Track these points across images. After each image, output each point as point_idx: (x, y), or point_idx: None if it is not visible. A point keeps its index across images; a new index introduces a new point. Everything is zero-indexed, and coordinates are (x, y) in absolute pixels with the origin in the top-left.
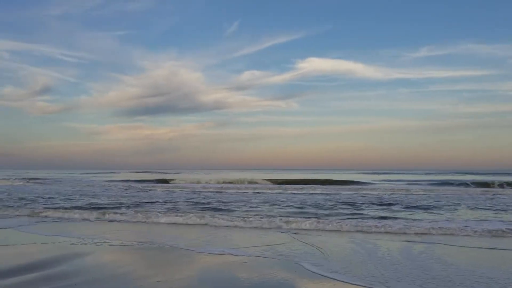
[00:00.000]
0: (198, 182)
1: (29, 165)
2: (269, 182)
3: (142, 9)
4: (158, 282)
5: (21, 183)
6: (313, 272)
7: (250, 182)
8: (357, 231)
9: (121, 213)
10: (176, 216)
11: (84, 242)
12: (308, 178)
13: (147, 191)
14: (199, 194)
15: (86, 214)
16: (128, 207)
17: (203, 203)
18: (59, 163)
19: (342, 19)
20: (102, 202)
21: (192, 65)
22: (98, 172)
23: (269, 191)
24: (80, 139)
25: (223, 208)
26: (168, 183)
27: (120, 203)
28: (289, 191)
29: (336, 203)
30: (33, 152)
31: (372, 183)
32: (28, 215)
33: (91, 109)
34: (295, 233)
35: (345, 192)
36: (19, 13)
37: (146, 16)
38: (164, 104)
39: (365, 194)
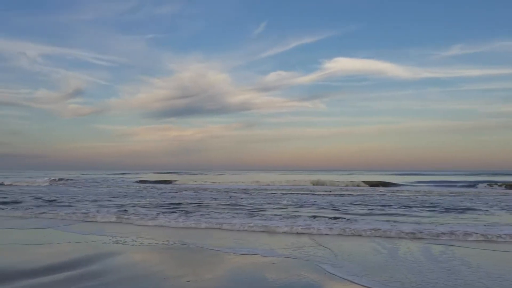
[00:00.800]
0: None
1: (62, 166)
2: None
3: (171, 13)
4: (188, 281)
5: (61, 183)
6: (343, 278)
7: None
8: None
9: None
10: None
11: (116, 242)
12: (339, 180)
13: (176, 192)
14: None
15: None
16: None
17: (237, 205)
18: (91, 164)
19: (369, 18)
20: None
21: (219, 67)
22: (132, 173)
23: (309, 192)
24: (110, 141)
25: (249, 208)
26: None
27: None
28: (315, 192)
29: (373, 205)
30: (66, 153)
31: (407, 185)
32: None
33: (121, 111)
34: (328, 236)
35: (381, 194)
36: (52, 18)
37: (175, 19)
38: (192, 106)
39: (408, 196)
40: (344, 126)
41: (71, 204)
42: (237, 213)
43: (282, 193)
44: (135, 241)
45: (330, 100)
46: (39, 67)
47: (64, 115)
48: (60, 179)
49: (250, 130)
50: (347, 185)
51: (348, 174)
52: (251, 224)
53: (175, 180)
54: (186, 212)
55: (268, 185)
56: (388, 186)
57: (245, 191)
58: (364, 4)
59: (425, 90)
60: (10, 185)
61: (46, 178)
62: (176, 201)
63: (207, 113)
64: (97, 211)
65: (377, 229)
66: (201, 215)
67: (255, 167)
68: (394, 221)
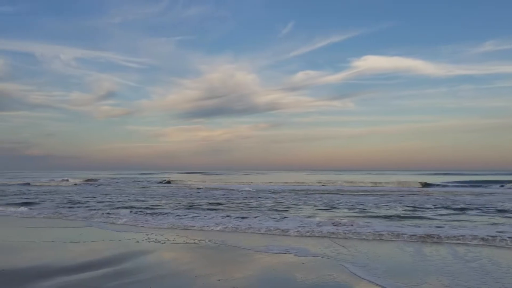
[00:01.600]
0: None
1: (94, 166)
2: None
3: (200, 15)
4: (219, 280)
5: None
6: (370, 281)
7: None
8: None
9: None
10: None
11: (149, 240)
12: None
13: (205, 192)
14: (307, 194)
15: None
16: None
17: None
18: (122, 164)
19: (400, 16)
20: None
21: (247, 67)
22: (162, 172)
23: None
24: (141, 141)
25: (280, 209)
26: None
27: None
28: (342, 193)
29: (405, 206)
30: (98, 154)
31: (445, 185)
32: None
33: (151, 112)
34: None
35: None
36: (85, 22)
37: (204, 21)
38: (220, 106)
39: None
40: (374, 125)
41: (105, 203)
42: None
43: (342, 195)
44: (167, 240)
45: (360, 99)
46: (73, 70)
47: (96, 116)
48: (89, 180)
49: (278, 130)
50: (408, 187)
51: (379, 174)
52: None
53: (203, 181)
54: (218, 211)
55: (317, 184)
56: (429, 187)
57: (296, 192)
58: (394, 1)
59: (458, 88)
60: (43, 185)
61: (77, 179)
62: (208, 201)
63: (235, 113)
64: (130, 211)
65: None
66: (236, 217)
67: (282, 167)
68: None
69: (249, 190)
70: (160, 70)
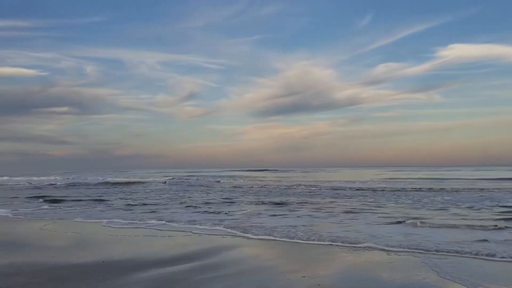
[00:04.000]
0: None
1: (179, 165)
2: None
3: (276, 13)
4: (303, 277)
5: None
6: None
7: None
8: None
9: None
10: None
11: (234, 235)
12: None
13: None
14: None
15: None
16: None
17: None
18: (204, 163)
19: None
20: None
21: (324, 63)
22: (244, 170)
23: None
24: (221, 140)
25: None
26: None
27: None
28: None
29: None
30: (183, 152)
31: None
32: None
33: (230, 112)
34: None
35: None
36: (167, 27)
37: (279, 19)
38: (297, 103)
39: None
40: (462, 118)
41: (192, 199)
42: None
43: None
44: (252, 235)
45: (446, 91)
46: (157, 73)
47: (180, 117)
48: (174, 178)
49: (357, 125)
50: None
51: (477, 170)
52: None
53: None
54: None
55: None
56: None
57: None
58: None
59: None
60: (134, 182)
61: (166, 177)
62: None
63: (312, 110)
64: (220, 209)
65: None
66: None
67: (362, 164)
68: None
69: (360, 188)
70: (238, 70)
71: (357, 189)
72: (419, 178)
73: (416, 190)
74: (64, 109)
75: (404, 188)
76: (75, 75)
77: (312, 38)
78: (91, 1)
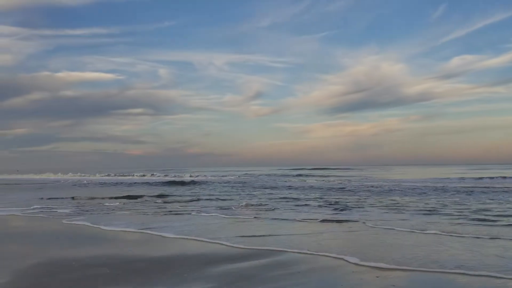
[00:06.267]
0: None
1: (247, 163)
2: None
3: (342, 9)
4: (377, 277)
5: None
6: None
7: None
8: None
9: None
10: None
11: (300, 234)
12: None
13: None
14: None
15: None
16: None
17: None
18: (272, 161)
19: None
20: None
21: (394, 57)
22: (312, 169)
23: None
24: (288, 138)
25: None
26: None
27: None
28: None
29: None
30: (250, 151)
31: None
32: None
33: (297, 110)
34: None
35: None
36: (234, 28)
37: (346, 14)
38: (366, 100)
39: None
40: None
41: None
42: None
43: None
44: (318, 233)
45: None
46: (225, 74)
47: (247, 116)
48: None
49: (431, 121)
50: None
51: None
52: None
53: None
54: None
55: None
56: None
57: None
58: None
59: None
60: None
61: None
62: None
63: (382, 106)
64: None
65: None
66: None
67: (436, 161)
68: None
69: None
70: (304, 68)
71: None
72: None
73: None
74: (140, 110)
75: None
76: (149, 78)
77: (381, 32)
78: (163, 7)
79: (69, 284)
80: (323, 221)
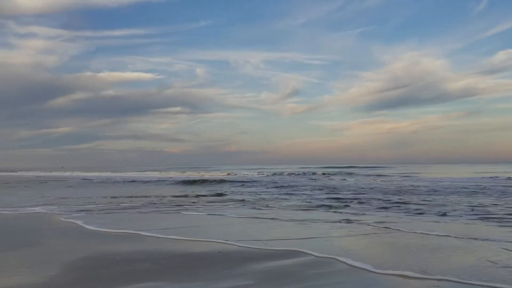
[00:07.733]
0: None
1: (282, 161)
2: None
3: (379, 4)
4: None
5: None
6: None
7: None
8: None
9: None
10: None
11: (335, 236)
12: None
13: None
14: None
15: None
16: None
17: None
18: (308, 159)
19: None
20: None
21: (434, 53)
22: (349, 167)
23: None
24: (325, 136)
25: None
26: None
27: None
28: None
29: None
30: (286, 148)
31: None
32: None
33: (333, 107)
34: None
35: None
36: (270, 27)
37: (383, 10)
38: (405, 96)
39: None
40: None
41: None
42: None
43: None
44: (350, 231)
45: None
46: (261, 72)
47: (283, 114)
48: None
49: (474, 118)
50: None
51: None
52: None
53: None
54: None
55: None
56: None
57: None
58: None
59: None
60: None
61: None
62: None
63: (422, 103)
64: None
65: None
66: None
67: (479, 159)
68: None
69: None
70: (341, 65)
71: None
72: None
73: None
74: (178, 109)
75: None
76: (187, 77)
77: (421, 27)
78: (200, 7)
79: (116, 276)
80: None
